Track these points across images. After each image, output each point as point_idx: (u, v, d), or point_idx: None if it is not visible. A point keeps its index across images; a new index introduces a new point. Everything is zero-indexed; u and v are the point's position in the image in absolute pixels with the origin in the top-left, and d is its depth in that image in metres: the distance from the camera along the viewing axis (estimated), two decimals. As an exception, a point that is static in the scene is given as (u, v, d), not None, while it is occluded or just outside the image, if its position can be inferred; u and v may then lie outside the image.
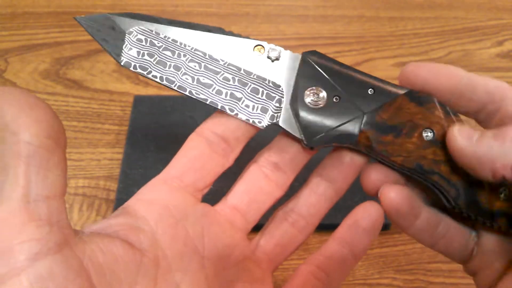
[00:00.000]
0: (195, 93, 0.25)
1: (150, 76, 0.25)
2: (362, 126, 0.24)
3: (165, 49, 0.25)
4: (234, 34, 0.26)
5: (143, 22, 0.25)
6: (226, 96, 0.25)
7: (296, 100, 0.24)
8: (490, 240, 0.25)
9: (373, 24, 0.65)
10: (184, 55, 0.25)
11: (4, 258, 0.16)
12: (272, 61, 0.25)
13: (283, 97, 0.25)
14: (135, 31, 0.25)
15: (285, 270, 0.44)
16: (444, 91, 0.23)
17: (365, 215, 0.25)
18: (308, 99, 0.24)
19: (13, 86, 0.55)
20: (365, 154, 0.25)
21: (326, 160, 0.27)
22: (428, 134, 0.23)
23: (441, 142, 0.23)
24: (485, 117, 0.23)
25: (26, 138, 0.16)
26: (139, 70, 0.25)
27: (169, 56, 0.25)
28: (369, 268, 0.44)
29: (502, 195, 0.23)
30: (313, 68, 0.25)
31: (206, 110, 0.26)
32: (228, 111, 0.25)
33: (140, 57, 0.25)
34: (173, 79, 0.25)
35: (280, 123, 0.24)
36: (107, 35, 0.25)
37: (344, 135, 0.24)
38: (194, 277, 0.23)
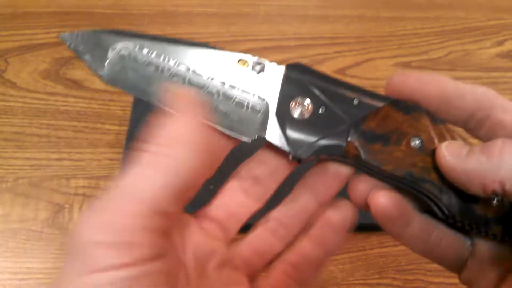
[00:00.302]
0: None
1: (133, 92, 0.25)
2: (349, 136, 0.24)
3: (149, 64, 0.25)
4: (218, 48, 0.25)
5: (127, 38, 0.25)
6: (210, 111, 0.25)
7: (282, 112, 0.24)
8: (485, 249, 0.24)
9: (373, 24, 0.65)
10: (168, 70, 0.25)
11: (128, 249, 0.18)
12: (257, 73, 0.25)
13: (268, 110, 0.25)
14: (119, 47, 0.25)
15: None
16: (432, 100, 0.23)
17: (337, 214, 0.25)
18: (294, 110, 0.24)
19: (13, 86, 0.55)
20: (354, 166, 0.25)
21: (311, 171, 0.26)
22: (416, 142, 0.23)
23: (430, 149, 0.23)
24: (474, 125, 0.23)
25: None
26: (122, 86, 0.25)
27: (153, 72, 0.25)
28: (369, 268, 0.44)
29: (494, 201, 0.22)
30: (298, 80, 0.25)
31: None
32: (214, 125, 0.25)
33: (123, 73, 0.25)
34: (157, 95, 0.25)
35: (266, 137, 0.24)
36: (90, 52, 0.25)
37: (331, 146, 0.24)
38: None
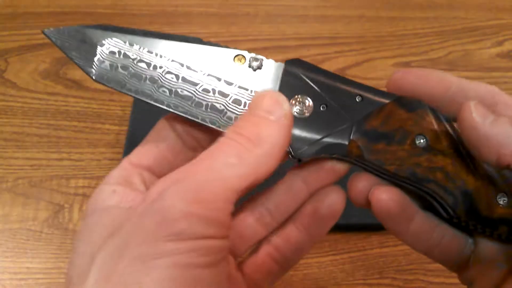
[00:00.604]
0: (173, 106, 0.24)
1: (124, 90, 0.24)
2: (351, 135, 0.23)
3: (140, 61, 0.24)
4: (213, 44, 0.25)
5: (116, 34, 0.24)
6: (206, 108, 0.24)
7: None
8: (487, 249, 0.24)
9: (373, 24, 0.65)
10: (160, 67, 0.24)
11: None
12: (254, 70, 0.24)
13: None
14: (108, 43, 0.24)
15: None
16: (434, 98, 0.23)
17: (325, 201, 0.25)
18: (294, 108, 0.24)
19: (14, 86, 0.55)
20: (356, 164, 0.24)
21: (307, 163, 0.26)
22: (421, 141, 0.23)
23: (435, 148, 0.23)
24: None
25: None
26: (112, 84, 0.24)
27: (144, 68, 0.24)
28: (369, 268, 0.44)
29: (501, 202, 0.22)
30: (297, 77, 0.24)
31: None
32: (210, 124, 0.24)
33: (113, 70, 0.24)
34: (149, 93, 0.24)
35: None
36: (78, 49, 0.24)
37: (333, 145, 0.23)
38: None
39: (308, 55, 0.60)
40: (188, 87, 0.24)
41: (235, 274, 0.25)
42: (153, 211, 0.19)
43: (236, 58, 0.25)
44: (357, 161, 0.24)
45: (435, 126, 0.23)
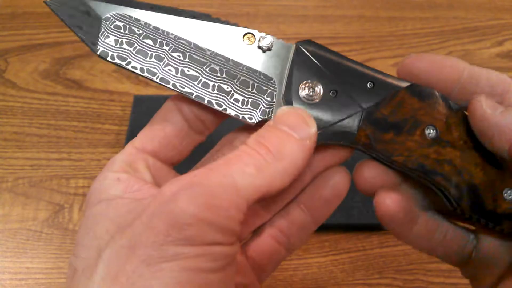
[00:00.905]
0: (179, 86, 0.23)
1: (129, 67, 0.23)
2: (361, 123, 0.23)
3: (146, 37, 0.23)
4: (222, 21, 0.24)
5: (122, 7, 0.23)
6: (213, 89, 0.23)
7: (290, 94, 0.23)
8: (489, 244, 0.24)
9: (373, 24, 0.65)
10: (167, 44, 0.23)
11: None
12: (264, 51, 0.23)
13: (275, 91, 0.23)
14: (113, 17, 0.23)
15: (284, 270, 0.44)
16: (445, 84, 0.23)
17: (329, 183, 0.25)
18: (303, 93, 0.23)
19: (13, 86, 0.55)
20: (363, 152, 0.24)
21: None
22: (431, 132, 0.22)
23: (445, 140, 0.22)
24: None
25: None
26: (117, 60, 0.23)
27: (150, 45, 0.23)
28: (369, 268, 0.44)
29: (508, 196, 0.22)
30: (308, 59, 0.23)
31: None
32: (216, 106, 0.23)
33: (118, 46, 0.23)
34: (155, 71, 0.23)
35: None
36: (82, 21, 0.23)
37: (342, 133, 0.23)
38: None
39: (308, 55, 0.60)
40: (195, 66, 0.23)
41: (239, 258, 0.25)
42: (165, 213, 0.19)
43: (245, 37, 0.24)
44: (365, 150, 0.23)
45: (447, 117, 0.22)
